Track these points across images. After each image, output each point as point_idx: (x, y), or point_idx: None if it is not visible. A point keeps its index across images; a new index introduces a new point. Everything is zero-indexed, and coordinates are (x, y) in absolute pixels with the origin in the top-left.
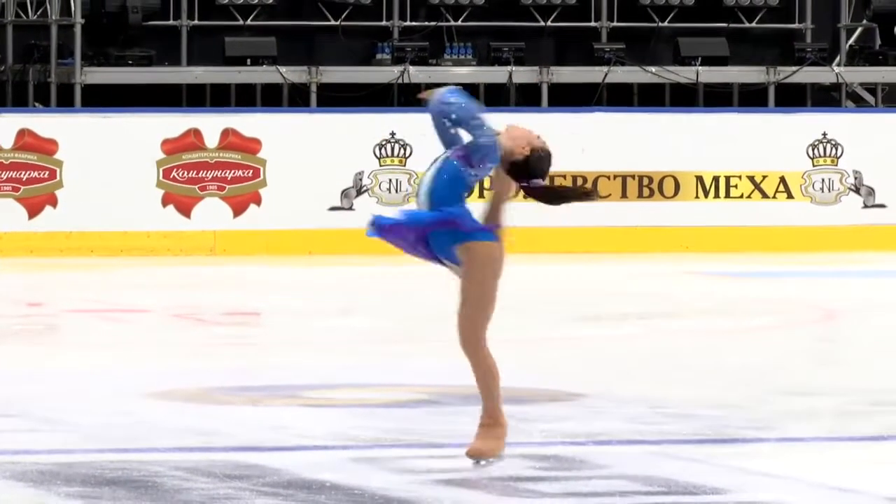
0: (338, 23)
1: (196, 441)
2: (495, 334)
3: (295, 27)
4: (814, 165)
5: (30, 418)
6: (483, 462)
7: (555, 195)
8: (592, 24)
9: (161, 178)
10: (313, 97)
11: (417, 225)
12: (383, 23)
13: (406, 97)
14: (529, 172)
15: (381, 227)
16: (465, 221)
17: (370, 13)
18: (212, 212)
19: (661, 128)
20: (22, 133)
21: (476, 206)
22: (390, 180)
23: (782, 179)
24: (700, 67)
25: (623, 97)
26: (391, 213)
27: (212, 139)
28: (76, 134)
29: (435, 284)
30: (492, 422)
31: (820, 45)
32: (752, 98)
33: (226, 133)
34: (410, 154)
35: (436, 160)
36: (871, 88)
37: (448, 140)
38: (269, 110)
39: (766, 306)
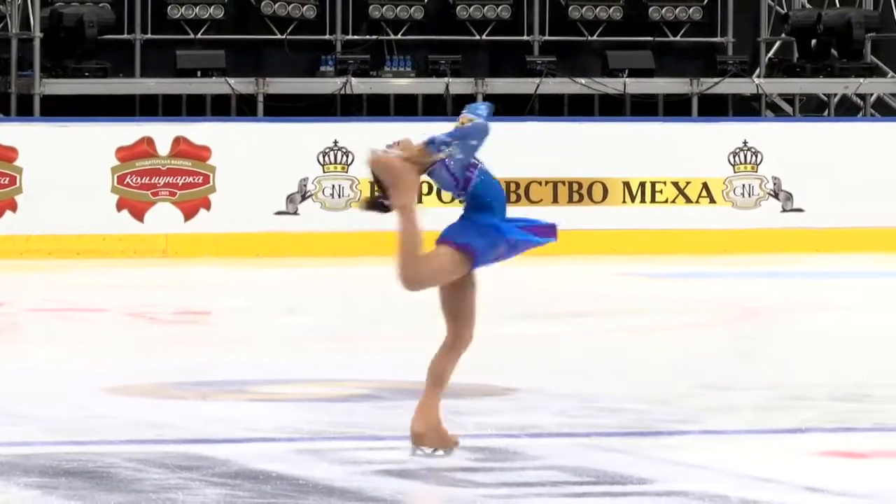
0: (283, 37)
1: (149, 433)
2: (435, 332)
3: (243, 41)
4: (735, 172)
5: None
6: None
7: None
8: (525, 37)
9: (115, 183)
10: (260, 107)
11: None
12: (327, 37)
13: (348, 107)
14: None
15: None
16: None
17: (314, 27)
18: (164, 216)
19: (590, 136)
20: None
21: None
22: (333, 186)
23: (705, 185)
24: (627, 79)
25: (554, 107)
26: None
27: (164, 147)
28: (35, 142)
29: (375, 286)
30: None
31: (741, 58)
32: (676, 108)
33: (177, 141)
34: (352, 161)
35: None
36: (789, 99)
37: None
38: (219, 120)
39: (690, 305)
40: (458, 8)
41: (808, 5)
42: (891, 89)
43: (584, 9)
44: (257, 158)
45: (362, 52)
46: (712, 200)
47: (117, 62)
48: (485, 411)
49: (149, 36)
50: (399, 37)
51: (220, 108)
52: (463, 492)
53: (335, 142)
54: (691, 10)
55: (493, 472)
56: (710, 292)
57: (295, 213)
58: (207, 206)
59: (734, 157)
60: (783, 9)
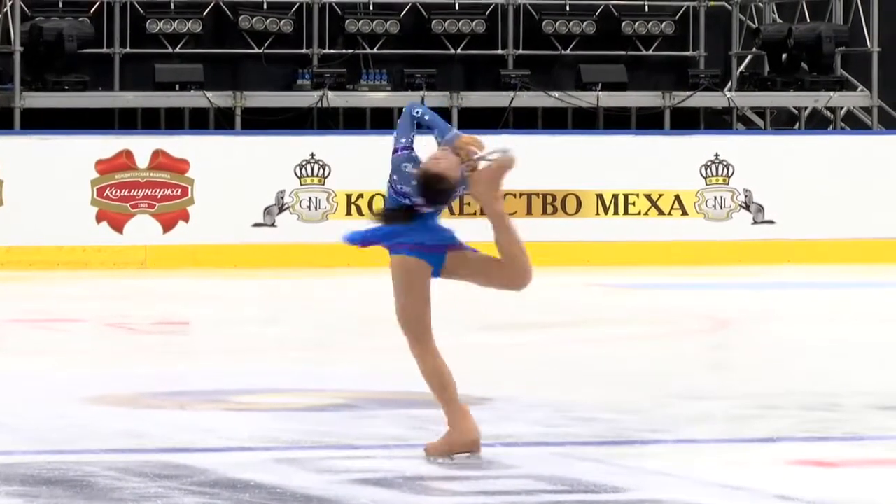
0: (261, 51)
1: (128, 443)
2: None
3: (221, 55)
4: (707, 184)
5: None
6: (432, 459)
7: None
8: (499, 51)
9: (95, 196)
10: (238, 120)
11: None
12: (303, 51)
13: (325, 120)
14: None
15: None
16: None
17: (291, 42)
18: (143, 228)
19: (564, 149)
20: None
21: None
22: (310, 198)
23: (677, 197)
24: (600, 92)
25: (528, 120)
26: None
27: (143, 160)
28: (16, 155)
29: (351, 296)
30: (448, 423)
31: (712, 72)
32: (648, 121)
33: (156, 154)
34: (329, 174)
35: None
36: (760, 112)
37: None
38: (197, 133)
39: (662, 316)
40: (434, 22)
41: (778, 20)
42: (860, 103)
43: (558, 23)
44: (235, 171)
45: (339, 65)
46: (684, 212)
47: (97, 76)
48: None
49: (128, 50)
50: (375, 51)
51: (199, 121)
52: (439, 500)
53: (312, 154)
54: (664, 24)
55: (469, 481)
56: (682, 303)
57: (272, 225)
58: (186, 218)
59: (706, 169)
60: (754, 23)
